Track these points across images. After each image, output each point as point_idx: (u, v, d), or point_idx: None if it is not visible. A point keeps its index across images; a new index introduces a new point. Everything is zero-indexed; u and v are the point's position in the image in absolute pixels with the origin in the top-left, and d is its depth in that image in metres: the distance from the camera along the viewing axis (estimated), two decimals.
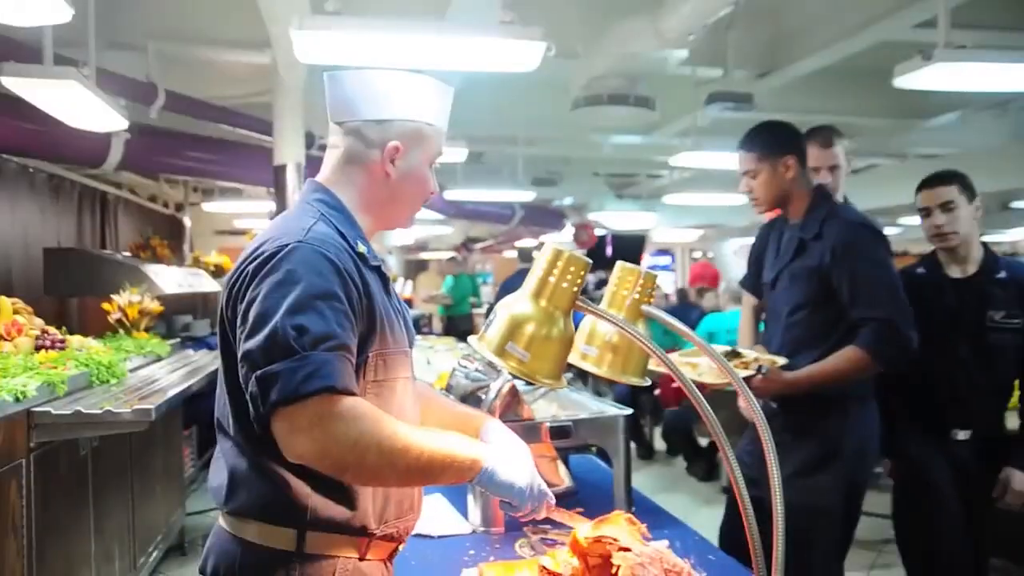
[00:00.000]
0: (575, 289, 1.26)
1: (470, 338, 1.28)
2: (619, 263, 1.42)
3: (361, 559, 1.27)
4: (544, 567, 1.32)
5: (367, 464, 1.13)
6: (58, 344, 2.88)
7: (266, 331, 1.11)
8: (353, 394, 1.13)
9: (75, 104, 3.08)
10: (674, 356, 2.19)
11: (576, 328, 1.37)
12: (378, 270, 1.30)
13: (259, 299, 1.14)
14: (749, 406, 1.88)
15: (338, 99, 1.33)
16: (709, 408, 1.19)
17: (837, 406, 2.32)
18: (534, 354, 1.22)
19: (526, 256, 11.17)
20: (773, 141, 2.42)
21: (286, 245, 1.17)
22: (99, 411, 2.35)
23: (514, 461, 1.29)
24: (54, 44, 2.97)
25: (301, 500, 1.22)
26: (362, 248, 1.27)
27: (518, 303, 1.25)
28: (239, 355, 1.15)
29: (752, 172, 2.41)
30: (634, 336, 1.23)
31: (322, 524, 1.23)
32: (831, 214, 2.38)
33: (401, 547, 1.38)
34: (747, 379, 2.17)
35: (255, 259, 1.18)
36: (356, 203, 1.32)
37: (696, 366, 2.36)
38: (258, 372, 1.10)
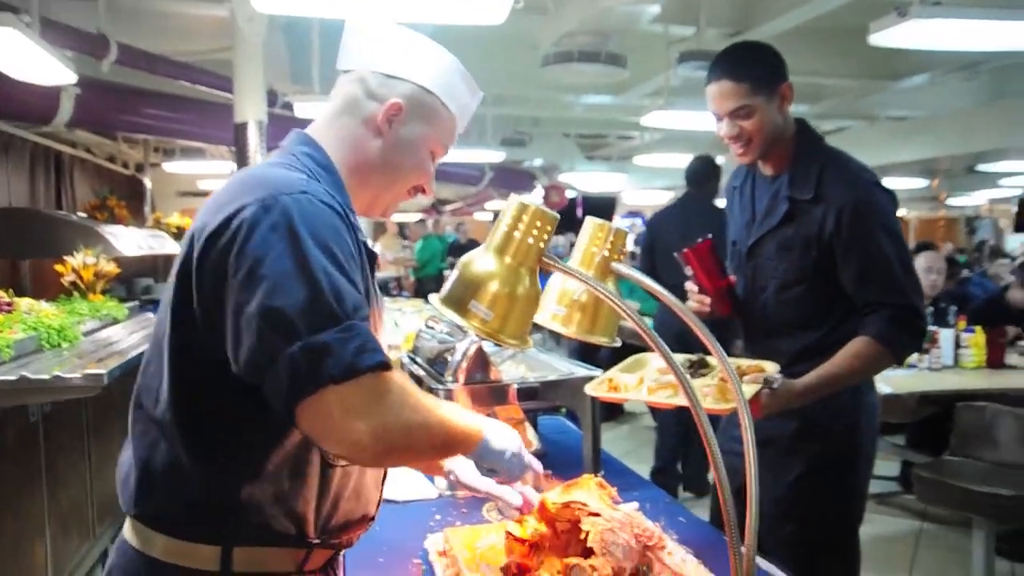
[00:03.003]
0: (541, 245, 1.19)
1: (431, 296, 1.21)
2: (589, 218, 1.36)
3: (298, 572, 1.13)
4: (510, 533, 1.28)
5: (413, 444, 1.02)
6: (4, 307, 2.76)
7: (302, 291, 0.95)
8: (392, 369, 1.01)
9: (16, 54, 2.91)
10: (650, 381, 1.73)
11: (543, 287, 1.31)
12: (364, 245, 1.16)
13: (276, 254, 0.96)
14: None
15: (352, 45, 1.21)
16: (703, 413, 1.14)
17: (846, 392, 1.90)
18: (498, 313, 1.15)
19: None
20: (767, 65, 1.89)
21: (291, 194, 1.01)
22: (46, 376, 2.25)
23: (503, 431, 1.23)
24: None
25: (229, 504, 1.05)
26: (352, 218, 1.14)
27: (481, 259, 1.18)
28: (247, 318, 0.95)
29: (744, 109, 1.85)
30: (604, 294, 1.17)
31: (252, 536, 1.07)
32: (829, 166, 1.89)
33: (342, 553, 1.27)
34: (753, 397, 1.70)
35: (248, 207, 0.99)
36: (344, 162, 1.17)
37: (676, 387, 1.73)
38: (300, 342, 0.93)
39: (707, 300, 2.01)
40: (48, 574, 2.79)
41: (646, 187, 12.30)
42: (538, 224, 1.19)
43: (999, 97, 6.56)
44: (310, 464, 1.10)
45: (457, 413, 1.13)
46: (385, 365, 0.98)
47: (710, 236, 2.03)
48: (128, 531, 1.11)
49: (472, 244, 10.08)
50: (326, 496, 1.12)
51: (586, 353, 5.71)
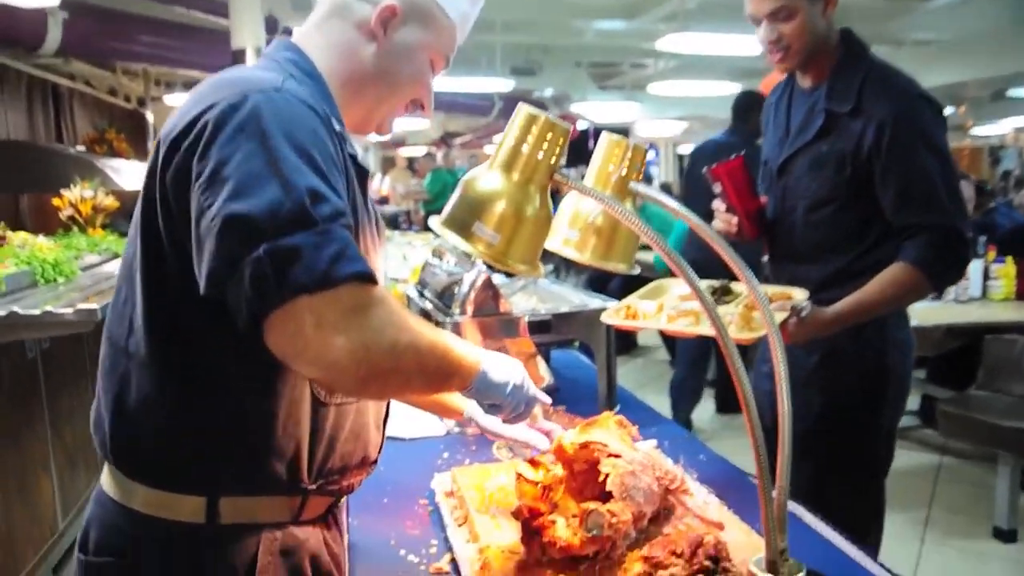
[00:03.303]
0: (552, 160, 1.07)
1: (431, 219, 1.09)
2: (604, 134, 1.23)
3: (294, 522, 1.03)
4: (521, 475, 1.18)
5: (400, 369, 0.89)
6: None
7: (270, 191, 0.83)
8: (377, 283, 0.89)
9: None
10: (670, 309, 1.63)
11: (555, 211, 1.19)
12: (354, 160, 1.03)
13: (243, 153, 0.85)
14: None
15: None
16: (733, 346, 1.03)
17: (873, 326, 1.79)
18: (506, 236, 1.03)
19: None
20: None
21: (263, 91, 0.90)
22: (37, 312, 2.16)
23: (505, 362, 1.12)
24: None
25: (211, 447, 0.95)
26: (338, 128, 1.00)
27: (485, 177, 1.06)
28: (208, 222, 0.84)
29: (784, 11, 1.71)
30: (622, 215, 1.05)
31: (240, 483, 0.97)
32: (872, 77, 1.74)
33: (343, 500, 1.18)
34: (780, 325, 1.57)
35: (216, 107, 0.88)
36: (334, 70, 1.05)
37: (697, 315, 1.58)
38: (265, 244, 0.81)
39: (734, 220, 1.89)
40: (56, 510, 2.77)
41: (660, 117, 11.98)
42: (549, 137, 1.06)
43: None
44: (300, 400, 0.99)
45: (451, 340, 1.02)
46: (366, 276, 0.86)
47: (743, 153, 1.90)
48: (106, 480, 1.01)
49: None
50: (320, 437, 1.02)
51: (596, 286, 5.64)
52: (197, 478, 0.96)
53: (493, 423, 1.31)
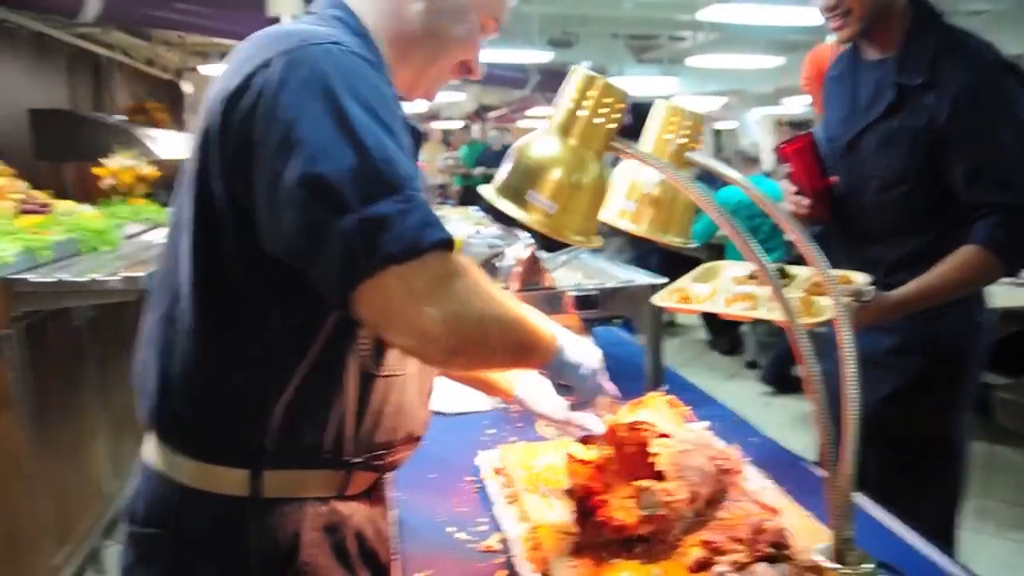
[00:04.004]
0: (610, 126, 1.02)
1: (481, 188, 1.05)
2: (659, 100, 1.18)
3: (339, 497, 1.01)
4: (571, 455, 1.15)
5: (487, 340, 0.88)
6: (41, 208, 2.68)
7: (347, 156, 0.80)
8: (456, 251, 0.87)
9: None
10: (725, 292, 1.59)
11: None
12: (406, 122, 0.98)
13: (312, 114, 0.81)
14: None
15: None
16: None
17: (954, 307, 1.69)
18: (562, 205, 0.99)
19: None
20: None
21: (321, 45, 0.85)
22: (84, 279, 2.17)
23: (584, 345, 1.09)
24: None
25: (256, 418, 0.93)
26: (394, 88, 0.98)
27: (541, 142, 1.01)
28: (285, 190, 0.80)
29: None
30: (686, 186, 1.00)
31: (284, 456, 0.95)
32: (948, 46, 1.62)
33: (388, 476, 1.15)
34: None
35: (274, 61, 0.84)
36: (380, 30, 1.01)
37: (754, 298, 1.52)
38: (351, 215, 0.78)
39: (805, 202, 1.79)
40: (106, 476, 2.81)
41: (698, 92, 11.76)
42: (607, 101, 1.02)
43: None
44: (346, 372, 0.97)
45: (531, 313, 0.99)
46: (450, 243, 0.83)
47: (811, 131, 1.81)
48: (151, 453, 0.99)
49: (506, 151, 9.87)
50: (366, 410, 1.00)
51: (636, 265, 5.57)
52: (241, 450, 0.95)
53: (544, 407, 1.26)
